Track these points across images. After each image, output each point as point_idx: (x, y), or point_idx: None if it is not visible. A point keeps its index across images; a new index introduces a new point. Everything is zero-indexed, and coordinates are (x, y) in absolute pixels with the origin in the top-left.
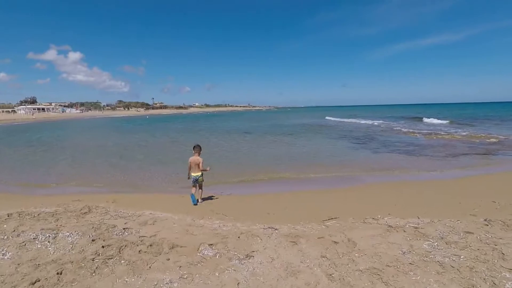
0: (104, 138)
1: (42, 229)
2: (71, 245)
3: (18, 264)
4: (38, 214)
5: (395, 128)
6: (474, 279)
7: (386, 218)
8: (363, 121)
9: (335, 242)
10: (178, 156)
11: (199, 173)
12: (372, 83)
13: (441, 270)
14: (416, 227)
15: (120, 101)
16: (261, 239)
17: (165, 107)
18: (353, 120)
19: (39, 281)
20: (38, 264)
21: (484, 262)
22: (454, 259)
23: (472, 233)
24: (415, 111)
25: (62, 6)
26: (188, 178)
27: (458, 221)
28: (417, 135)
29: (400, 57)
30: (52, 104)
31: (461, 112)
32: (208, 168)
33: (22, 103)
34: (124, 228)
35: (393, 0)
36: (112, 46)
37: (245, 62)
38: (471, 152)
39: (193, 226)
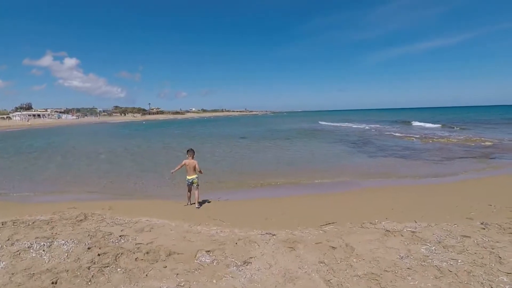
0: (99, 144)
1: (37, 237)
2: (66, 254)
3: (12, 274)
4: (33, 222)
5: (389, 133)
6: (471, 283)
7: (383, 223)
8: (355, 126)
9: (333, 247)
10: (175, 161)
11: (195, 176)
12: (368, 87)
13: (439, 275)
14: (413, 231)
15: (116, 107)
16: (258, 245)
17: (162, 112)
18: (349, 125)
19: None
20: (33, 274)
21: (481, 266)
22: (451, 263)
23: (469, 237)
24: (408, 115)
25: (59, 12)
26: (172, 173)
27: (455, 225)
28: (413, 139)
29: (395, 61)
30: (48, 110)
31: (453, 116)
32: (202, 172)
33: (17, 109)
34: (120, 236)
35: (389, 4)
36: (108, 52)
37: (242, 67)
38: (467, 156)
39: (190, 233)
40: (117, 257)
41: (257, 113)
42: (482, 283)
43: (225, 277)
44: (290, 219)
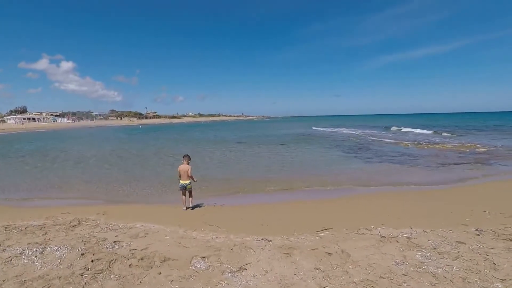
0: (94, 149)
1: (29, 243)
2: (59, 260)
3: (3, 281)
4: (26, 228)
5: (383, 139)
6: None
7: (379, 229)
8: (350, 131)
9: (329, 253)
10: (171, 166)
11: (188, 181)
12: (364, 93)
13: (434, 281)
14: (409, 237)
15: (112, 111)
16: (254, 251)
17: (158, 116)
18: (343, 130)
19: None
20: (24, 281)
21: (476, 272)
22: (447, 269)
23: (464, 243)
24: (401, 121)
25: (55, 15)
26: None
27: (450, 231)
28: (408, 145)
29: (389, 67)
30: (43, 113)
31: (444, 122)
32: (195, 179)
33: (12, 112)
34: (114, 241)
35: (383, 12)
36: (105, 56)
37: (239, 71)
38: (462, 162)
39: (186, 239)
40: (111, 263)
41: (253, 117)
42: None
43: (220, 283)
44: (286, 225)
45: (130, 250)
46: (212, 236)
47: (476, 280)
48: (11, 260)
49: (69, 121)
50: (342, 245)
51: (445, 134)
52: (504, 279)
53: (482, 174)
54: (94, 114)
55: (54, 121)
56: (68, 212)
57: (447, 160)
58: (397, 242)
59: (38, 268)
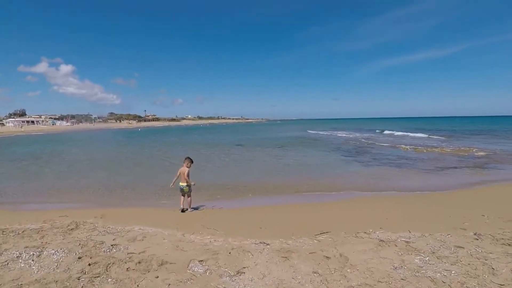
0: (93, 152)
1: (26, 247)
2: (56, 264)
3: (0, 285)
4: (23, 231)
5: (381, 142)
6: None
7: (377, 232)
8: (349, 135)
9: (327, 257)
10: (169, 169)
11: (185, 183)
12: (362, 96)
13: (432, 286)
14: (407, 242)
15: (111, 114)
16: (252, 255)
17: (158, 119)
18: (341, 134)
19: None
20: (21, 284)
21: (474, 277)
22: (445, 274)
23: (463, 247)
24: (398, 125)
25: (54, 19)
26: (171, 186)
27: (449, 235)
28: (407, 148)
29: (387, 71)
30: (42, 116)
31: (441, 126)
32: (192, 183)
33: (11, 115)
34: (112, 245)
35: (382, 16)
36: (104, 59)
37: (238, 74)
38: (461, 166)
39: (184, 242)
40: (108, 267)
41: (252, 120)
42: None
43: (218, 287)
44: (284, 228)
45: (127, 254)
46: (210, 239)
47: (474, 285)
48: (7, 264)
49: (68, 124)
50: (340, 249)
51: (443, 137)
52: (502, 284)
53: (481, 178)
54: (93, 117)
55: (53, 124)
56: (66, 216)
57: (446, 164)
58: (396, 246)
59: (35, 272)
